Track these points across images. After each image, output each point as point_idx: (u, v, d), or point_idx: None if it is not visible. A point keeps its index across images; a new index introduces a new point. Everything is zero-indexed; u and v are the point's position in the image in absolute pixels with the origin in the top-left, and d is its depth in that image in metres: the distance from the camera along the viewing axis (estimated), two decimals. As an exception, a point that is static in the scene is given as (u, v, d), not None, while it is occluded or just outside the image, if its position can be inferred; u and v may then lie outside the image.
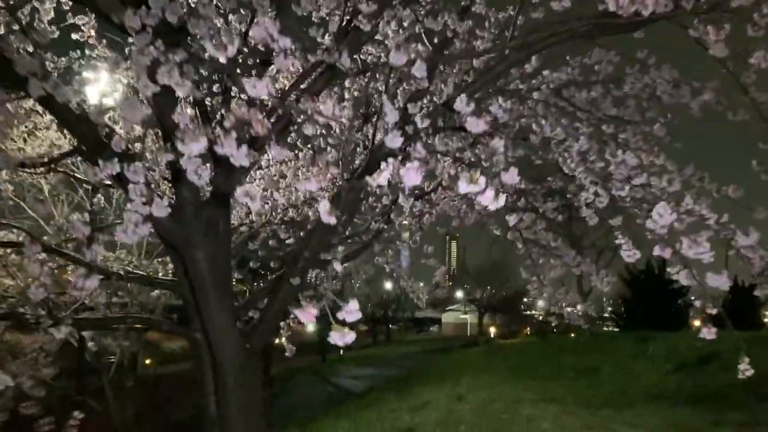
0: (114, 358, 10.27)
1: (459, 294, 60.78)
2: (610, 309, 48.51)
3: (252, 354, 4.41)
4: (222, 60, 2.25)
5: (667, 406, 9.20)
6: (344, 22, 3.38)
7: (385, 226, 5.50)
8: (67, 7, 3.75)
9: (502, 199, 2.26)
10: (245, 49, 3.21)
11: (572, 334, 35.13)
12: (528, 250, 5.21)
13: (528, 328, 56.15)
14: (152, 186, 3.36)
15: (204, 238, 3.93)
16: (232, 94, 3.67)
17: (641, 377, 11.97)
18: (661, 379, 11.62)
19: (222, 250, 4.39)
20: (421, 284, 6.75)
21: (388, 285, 51.06)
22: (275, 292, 4.42)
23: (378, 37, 3.68)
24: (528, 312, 67.87)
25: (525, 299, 60.17)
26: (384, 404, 12.86)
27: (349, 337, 2.14)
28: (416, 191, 5.88)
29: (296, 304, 5.62)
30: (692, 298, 30.05)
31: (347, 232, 5.80)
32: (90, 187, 4.99)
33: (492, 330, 50.89)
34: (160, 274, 5.91)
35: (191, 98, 3.29)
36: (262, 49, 3.17)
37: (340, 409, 14.62)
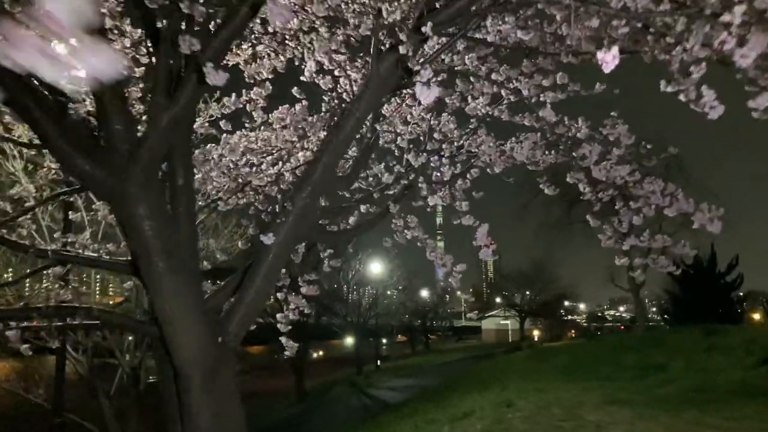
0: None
1: (498, 300, 59.11)
2: (653, 309, 46.36)
3: (226, 351, 3.23)
4: None
5: (763, 404, 7.59)
6: None
7: (407, 185, 4.26)
8: None
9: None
10: None
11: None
12: (596, 194, 3.93)
13: (573, 331, 54.46)
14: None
15: (145, 191, 2.79)
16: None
17: (721, 373, 10.30)
18: (746, 374, 9.95)
19: (178, 205, 3.27)
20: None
21: (425, 293, 50.01)
22: (255, 266, 3.24)
23: None
24: (569, 316, 65.79)
25: (566, 302, 58.27)
26: (421, 415, 11.51)
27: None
28: (444, 144, 4.65)
29: (292, 285, 4.41)
30: (740, 293, 28.96)
31: (355, 195, 4.61)
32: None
33: (535, 334, 49.01)
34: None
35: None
36: None
37: (375, 422, 13.33)
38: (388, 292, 40.61)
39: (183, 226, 3.17)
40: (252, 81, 3.79)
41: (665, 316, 32.45)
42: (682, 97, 2.91)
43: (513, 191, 28.24)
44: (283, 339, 4.36)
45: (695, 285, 25.77)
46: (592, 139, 4.05)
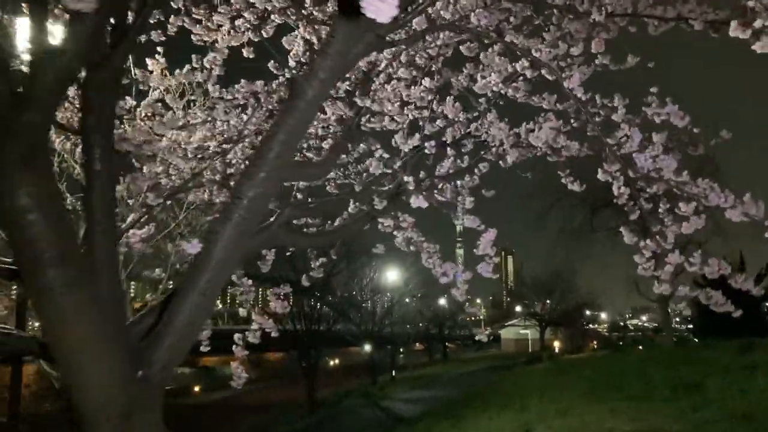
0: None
1: (518, 309, 57.92)
2: (676, 319, 44.82)
3: (147, 389, 2.43)
4: None
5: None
6: None
7: (400, 180, 3.47)
8: None
9: None
10: None
11: (639, 346, 32.04)
12: (636, 195, 3.08)
13: (594, 342, 53.23)
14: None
15: (27, 172, 2.03)
16: None
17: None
18: (800, 397, 8.84)
19: (93, 195, 2.54)
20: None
21: (443, 301, 48.96)
22: (189, 278, 2.45)
23: None
24: (590, 326, 64.36)
25: (587, 312, 56.76)
26: (435, 436, 10.64)
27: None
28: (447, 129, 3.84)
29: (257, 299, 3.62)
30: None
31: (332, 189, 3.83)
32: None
33: (556, 345, 47.67)
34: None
35: None
36: None
37: (384, 442, 12.49)
38: (406, 300, 39.72)
39: (98, 223, 2.42)
40: (202, 42, 3.03)
41: (689, 327, 31.25)
42: (758, 47, 2.18)
43: (534, 193, 27.01)
44: (234, 365, 3.57)
45: (722, 295, 24.61)
46: (631, 122, 3.25)
